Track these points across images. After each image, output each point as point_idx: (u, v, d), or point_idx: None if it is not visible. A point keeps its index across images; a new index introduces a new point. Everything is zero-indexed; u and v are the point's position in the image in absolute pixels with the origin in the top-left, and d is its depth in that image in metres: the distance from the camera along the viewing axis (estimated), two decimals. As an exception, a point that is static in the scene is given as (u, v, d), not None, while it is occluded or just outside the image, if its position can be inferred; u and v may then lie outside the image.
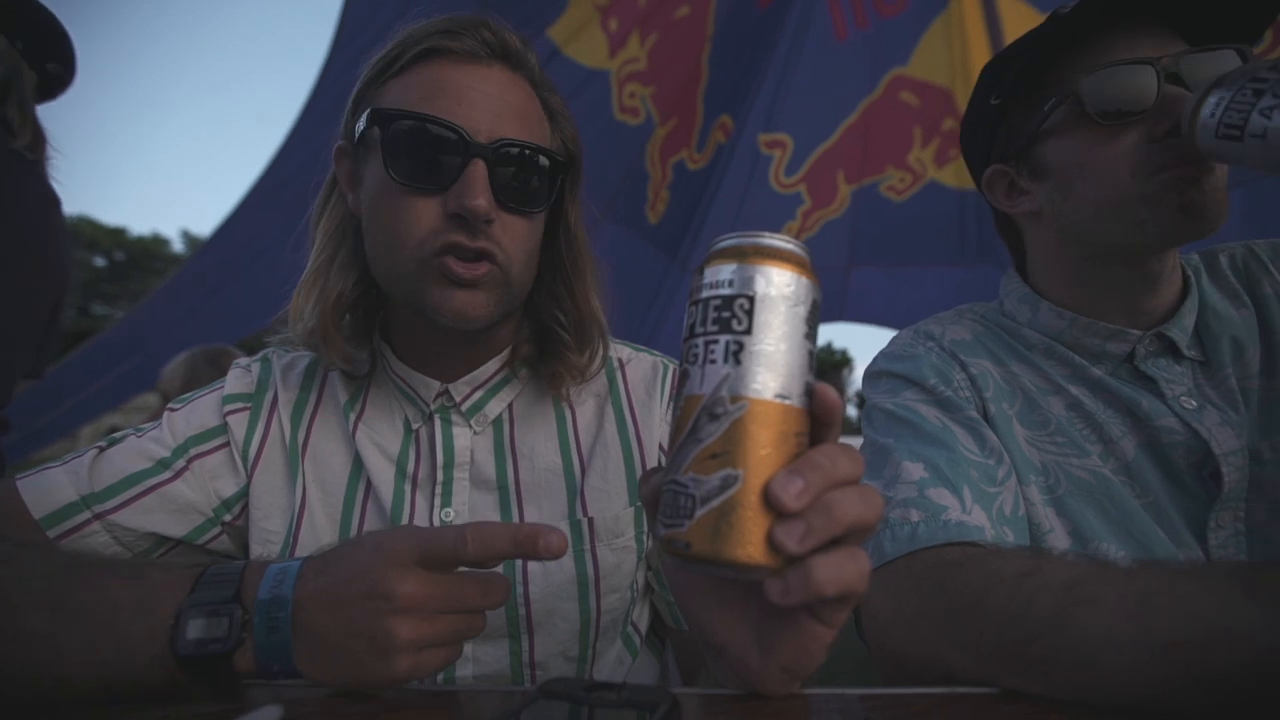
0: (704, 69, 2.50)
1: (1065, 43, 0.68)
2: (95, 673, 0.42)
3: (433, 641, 0.42)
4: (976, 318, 0.80)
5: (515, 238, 0.65)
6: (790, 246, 0.35)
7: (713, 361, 0.33)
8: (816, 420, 0.35)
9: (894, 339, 0.81)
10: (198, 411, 0.72)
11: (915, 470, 0.62)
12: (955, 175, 2.80)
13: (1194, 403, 0.66)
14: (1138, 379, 0.69)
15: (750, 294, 0.34)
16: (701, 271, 0.36)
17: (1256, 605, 0.37)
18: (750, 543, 0.32)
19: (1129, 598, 0.40)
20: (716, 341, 0.33)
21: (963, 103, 2.67)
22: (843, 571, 0.33)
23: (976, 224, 2.85)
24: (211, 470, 0.69)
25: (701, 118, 2.61)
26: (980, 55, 2.49)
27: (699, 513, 0.32)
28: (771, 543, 0.32)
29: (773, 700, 0.39)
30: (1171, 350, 0.69)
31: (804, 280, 0.35)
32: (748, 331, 0.33)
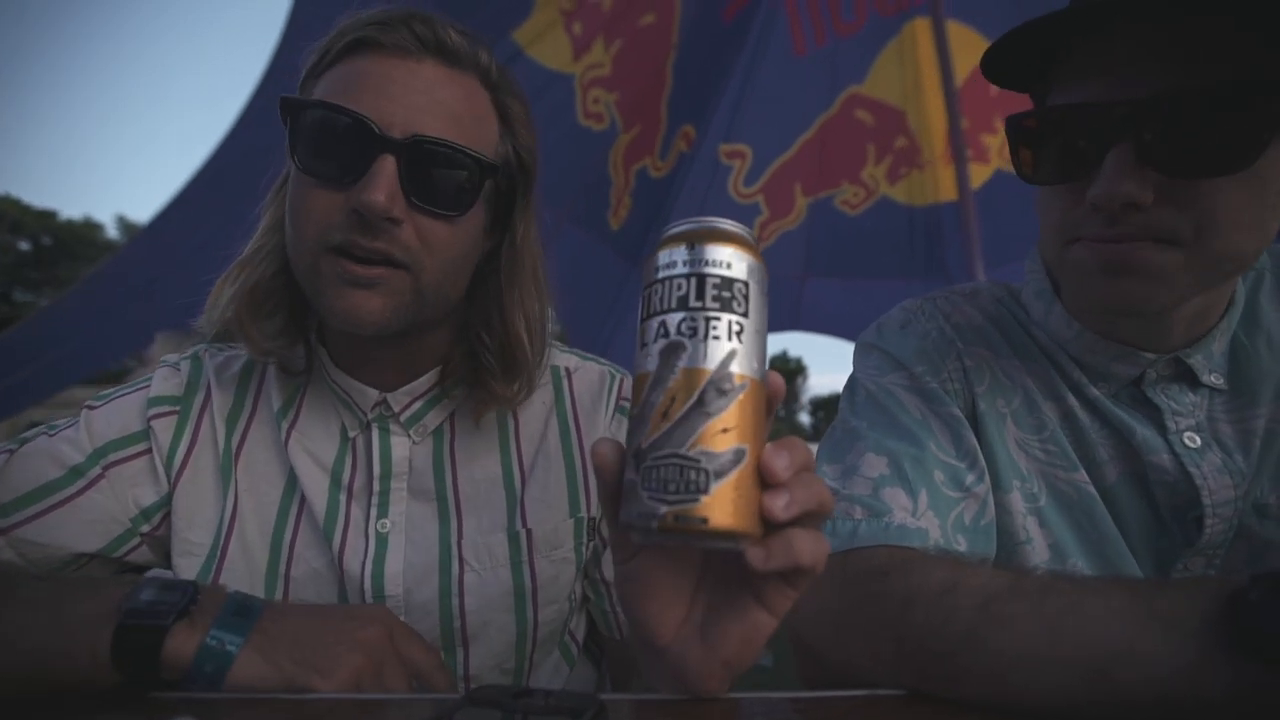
0: (669, 77, 2.52)
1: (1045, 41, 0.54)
2: (19, 654, 0.44)
3: (373, 683, 0.48)
4: (993, 300, 0.73)
5: (431, 242, 0.61)
6: (756, 241, 0.39)
7: (716, 338, 0.34)
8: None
9: (901, 305, 0.74)
10: (119, 413, 0.67)
11: (877, 465, 0.60)
12: (906, 192, 2.90)
13: (1198, 440, 0.60)
14: (1139, 404, 0.63)
15: (746, 280, 0.36)
16: (693, 246, 0.36)
17: (1157, 627, 0.38)
18: (750, 514, 0.34)
19: (1039, 617, 0.42)
20: (719, 319, 0.35)
21: (914, 123, 2.77)
22: (815, 544, 0.36)
23: (925, 240, 2.95)
24: (130, 478, 0.65)
25: (665, 126, 2.63)
26: (931, 79, 2.58)
27: (715, 486, 0.33)
28: (759, 513, 0.34)
29: (701, 704, 0.40)
30: (1188, 376, 0.61)
31: (768, 274, 0.38)
32: (745, 314, 0.35)
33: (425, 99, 0.60)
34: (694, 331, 0.34)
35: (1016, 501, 0.63)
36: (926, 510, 0.57)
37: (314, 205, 0.59)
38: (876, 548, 0.54)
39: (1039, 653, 0.40)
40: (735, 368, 0.34)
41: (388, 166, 0.58)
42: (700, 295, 0.35)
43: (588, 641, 0.80)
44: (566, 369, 0.80)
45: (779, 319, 3.31)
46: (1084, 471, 0.63)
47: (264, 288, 0.65)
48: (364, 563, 0.66)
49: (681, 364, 0.34)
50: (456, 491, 0.71)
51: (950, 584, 0.46)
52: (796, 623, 0.53)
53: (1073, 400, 0.64)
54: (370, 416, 0.70)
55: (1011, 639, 0.41)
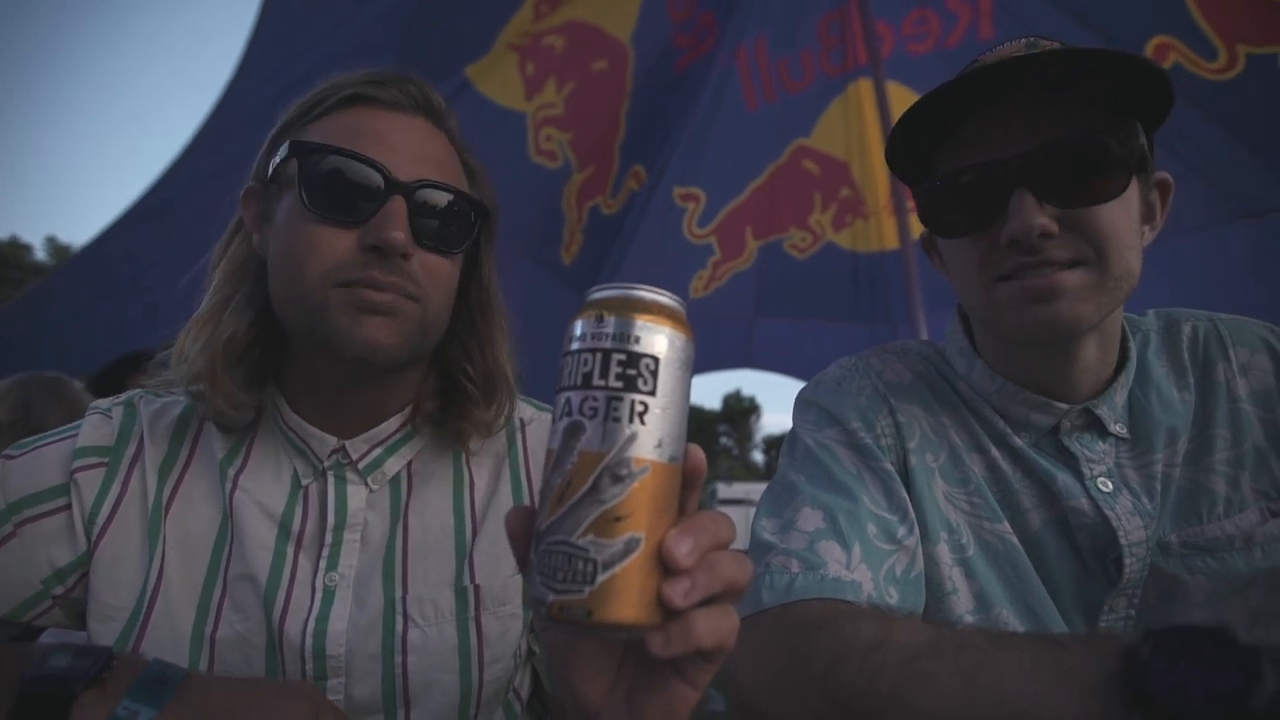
0: (622, 121, 2.59)
1: (926, 129, 0.64)
2: None
3: None
4: (921, 359, 0.77)
5: (435, 277, 0.65)
6: (683, 309, 0.36)
7: (616, 420, 0.33)
8: (684, 478, 0.36)
9: (837, 363, 0.78)
10: (39, 465, 0.63)
11: (813, 519, 0.62)
12: (850, 239, 3.03)
13: (1110, 485, 0.65)
14: (1059, 453, 0.67)
15: (656, 355, 0.34)
16: (602, 318, 0.34)
17: (1063, 684, 0.40)
18: (645, 603, 0.32)
19: (957, 674, 0.44)
20: (621, 399, 0.33)
21: (858, 174, 2.92)
22: (719, 625, 0.35)
23: (869, 285, 3.08)
24: (45, 535, 0.60)
25: (617, 166, 2.69)
26: (873, 135, 2.74)
27: (601, 578, 0.31)
28: (658, 599, 0.32)
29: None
30: (1097, 425, 0.67)
31: (692, 344, 0.36)
32: (652, 393, 0.33)
33: (420, 149, 0.65)
34: (595, 412, 0.33)
35: (943, 553, 0.65)
36: (860, 563, 0.59)
37: (322, 243, 0.61)
38: (811, 601, 0.56)
39: (957, 710, 0.42)
40: (634, 452, 0.33)
41: (400, 206, 0.61)
42: (604, 373, 0.33)
43: (532, 699, 0.77)
44: (521, 419, 0.80)
45: (731, 357, 3.37)
46: (1007, 523, 0.66)
47: (240, 340, 0.65)
48: (307, 619, 0.62)
49: (580, 446, 0.33)
50: (406, 544, 0.69)
51: (878, 640, 0.48)
52: (736, 681, 0.54)
53: (996, 452, 0.68)
54: (326, 464, 0.68)
55: (934, 698, 0.43)
